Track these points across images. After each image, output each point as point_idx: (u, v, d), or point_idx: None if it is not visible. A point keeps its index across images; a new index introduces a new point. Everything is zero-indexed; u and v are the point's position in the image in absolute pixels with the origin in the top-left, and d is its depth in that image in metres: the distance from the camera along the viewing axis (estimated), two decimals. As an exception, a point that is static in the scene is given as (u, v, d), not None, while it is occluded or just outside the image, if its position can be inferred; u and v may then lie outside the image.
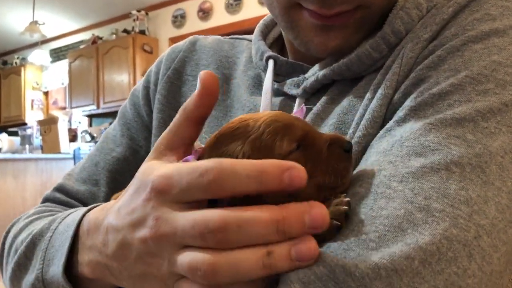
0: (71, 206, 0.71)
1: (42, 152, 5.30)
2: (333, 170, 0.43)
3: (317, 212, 0.35)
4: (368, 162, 0.46)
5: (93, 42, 6.95)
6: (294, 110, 0.60)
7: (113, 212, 0.44)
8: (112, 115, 6.49)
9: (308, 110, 0.59)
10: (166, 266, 0.39)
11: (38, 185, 4.79)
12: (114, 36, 6.77)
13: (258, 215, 0.35)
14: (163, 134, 0.46)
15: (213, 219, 0.35)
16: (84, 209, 0.53)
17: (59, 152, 5.09)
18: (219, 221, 0.35)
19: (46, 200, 0.74)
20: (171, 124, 0.45)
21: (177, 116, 0.45)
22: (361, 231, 0.39)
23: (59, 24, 7.28)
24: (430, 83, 0.48)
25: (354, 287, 0.35)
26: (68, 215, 0.56)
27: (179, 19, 6.26)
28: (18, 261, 0.57)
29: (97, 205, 0.53)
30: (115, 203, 0.46)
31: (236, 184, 0.35)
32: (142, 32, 6.45)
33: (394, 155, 0.43)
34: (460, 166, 0.41)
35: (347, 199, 0.40)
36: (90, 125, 7.15)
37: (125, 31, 6.65)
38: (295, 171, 0.35)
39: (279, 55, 0.64)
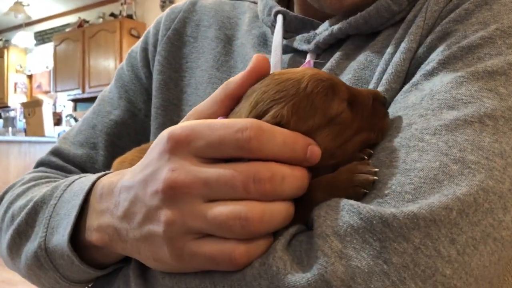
0: (67, 171, 0.69)
1: (26, 135, 5.22)
2: (377, 127, 0.43)
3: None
4: (395, 117, 0.45)
5: (79, 26, 6.84)
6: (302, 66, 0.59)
7: (128, 173, 0.43)
8: (97, 100, 6.40)
9: (318, 66, 0.58)
10: (180, 222, 0.37)
11: (21, 168, 4.73)
12: (101, 19, 6.68)
13: (295, 170, 0.38)
14: (199, 105, 0.45)
15: (261, 169, 0.36)
16: (93, 176, 0.51)
17: (43, 136, 5.02)
18: (268, 171, 0.36)
19: (40, 164, 0.71)
20: (209, 98, 0.44)
21: (218, 91, 0.44)
22: (396, 184, 0.38)
23: (45, 6, 7.14)
24: (458, 36, 0.47)
25: (392, 237, 0.35)
26: (73, 182, 0.54)
27: (167, 4, 6.18)
28: (18, 228, 0.55)
29: (109, 172, 0.52)
30: (131, 167, 0.45)
31: (273, 147, 0.37)
32: (129, 16, 6.37)
33: (424, 108, 0.43)
34: (493, 119, 0.41)
35: (376, 169, 0.40)
36: (75, 109, 7.05)
37: (112, 15, 6.56)
38: (316, 148, 0.39)
39: (288, 10, 0.63)
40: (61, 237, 0.49)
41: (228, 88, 0.43)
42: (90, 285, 0.57)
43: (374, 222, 0.36)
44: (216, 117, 0.43)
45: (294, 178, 0.38)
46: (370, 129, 0.43)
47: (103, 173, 0.52)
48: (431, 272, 0.35)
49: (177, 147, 0.38)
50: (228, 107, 0.43)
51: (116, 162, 0.60)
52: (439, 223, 0.36)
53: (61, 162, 0.70)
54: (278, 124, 0.39)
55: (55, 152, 0.71)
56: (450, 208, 0.36)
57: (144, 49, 0.74)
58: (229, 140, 0.36)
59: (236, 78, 0.43)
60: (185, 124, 0.39)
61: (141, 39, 0.77)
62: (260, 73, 0.42)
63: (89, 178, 0.51)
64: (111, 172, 0.51)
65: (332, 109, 0.40)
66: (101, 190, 0.47)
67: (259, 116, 0.39)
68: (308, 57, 0.59)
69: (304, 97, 0.40)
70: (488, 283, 0.39)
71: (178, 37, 0.72)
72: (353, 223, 0.36)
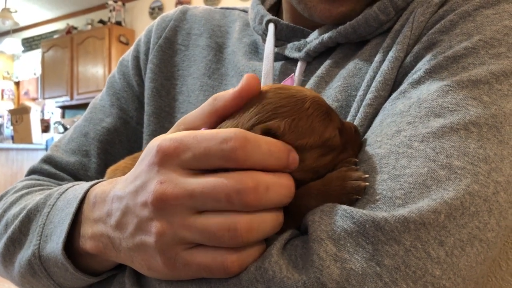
0: (59, 179, 0.69)
1: (13, 142, 5.17)
2: (354, 150, 0.46)
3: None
4: (384, 124, 0.46)
5: (67, 32, 6.81)
6: (295, 75, 0.60)
7: (120, 183, 0.44)
8: (85, 107, 6.31)
9: (309, 74, 0.60)
10: (171, 234, 0.38)
11: (8, 176, 4.68)
12: (89, 26, 6.65)
13: (281, 178, 0.39)
14: (188, 115, 0.45)
15: (244, 181, 0.36)
16: (86, 184, 0.51)
17: (31, 143, 4.98)
18: (252, 181, 0.36)
19: (32, 172, 0.71)
20: (199, 107, 0.45)
21: (205, 104, 0.44)
22: (386, 189, 0.40)
23: (33, 13, 7.10)
24: (443, 46, 0.49)
25: (384, 240, 0.37)
26: (66, 190, 0.54)
27: (156, 11, 6.18)
28: (11, 236, 0.55)
29: (102, 180, 0.52)
30: (124, 176, 0.45)
31: (259, 156, 0.37)
32: (118, 23, 6.35)
33: (412, 116, 0.45)
34: (478, 126, 0.42)
35: (366, 175, 0.42)
36: (63, 116, 7.00)
37: (101, 21, 6.53)
38: (295, 154, 0.40)
39: (279, 19, 0.64)
40: (55, 244, 0.49)
41: (215, 104, 0.43)
42: None
43: (367, 226, 0.37)
44: (202, 126, 0.43)
45: (279, 186, 0.38)
46: (350, 152, 0.45)
47: (96, 181, 0.52)
48: (421, 273, 0.36)
49: (165, 159, 0.39)
50: (214, 123, 0.43)
51: (110, 170, 0.60)
52: (428, 226, 0.37)
53: (53, 170, 0.70)
54: (273, 134, 0.40)
55: (47, 160, 0.71)
56: (439, 212, 0.38)
57: (136, 57, 0.75)
58: (215, 151, 0.37)
59: (225, 95, 0.43)
60: (173, 136, 0.39)
61: (132, 47, 0.78)
62: (250, 93, 0.42)
63: (83, 186, 0.52)
64: (104, 180, 0.52)
65: (327, 133, 0.42)
66: (94, 199, 0.47)
67: (258, 124, 0.40)
68: (299, 64, 0.60)
69: (305, 117, 0.41)
70: (474, 283, 0.40)
71: (169, 46, 0.73)
72: (347, 227, 0.38)
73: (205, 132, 0.38)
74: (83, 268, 0.50)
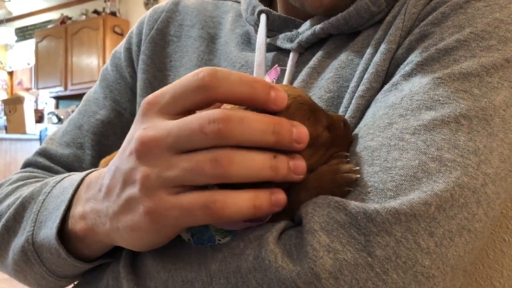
0: (54, 171, 0.69)
1: (6, 132, 5.15)
2: (344, 145, 0.46)
3: (301, 130, 0.39)
4: (376, 116, 0.47)
5: (61, 22, 6.76)
6: (287, 66, 0.60)
7: (113, 159, 0.44)
8: (80, 97, 6.28)
9: (301, 65, 0.60)
10: (155, 176, 0.38)
11: (1, 166, 4.67)
12: (84, 16, 6.61)
13: (256, 114, 0.38)
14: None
15: (215, 112, 0.37)
16: (83, 173, 0.52)
17: (25, 133, 4.96)
18: (222, 113, 0.36)
19: (27, 165, 0.72)
20: None
21: None
22: (378, 182, 0.41)
23: (26, 2, 7.04)
24: (435, 38, 0.49)
25: (375, 232, 0.38)
26: (63, 179, 0.55)
27: (151, 2, 6.14)
28: (6, 224, 0.56)
29: (99, 169, 0.53)
30: None
31: (229, 87, 0.37)
32: (113, 14, 6.32)
33: (404, 108, 0.45)
34: (468, 119, 0.43)
35: (357, 167, 0.42)
36: (57, 107, 6.97)
37: (95, 12, 6.49)
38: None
39: (271, 10, 0.64)
40: (49, 230, 0.50)
41: None
42: (76, 282, 0.58)
43: (359, 217, 0.38)
44: None
45: (255, 120, 0.37)
46: (340, 147, 0.45)
47: (93, 169, 0.53)
48: (411, 263, 0.37)
49: (148, 109, 0.40)
50: None
51: (103, 161, 0.60)
52: (419, 218, 0.38)
53: (48, 163, 0.70)
54: None
55: (42, 153, 0.71)
56: (429, 204, 0.39)
57: (128, 49, 0.75)
58: (189, 86, 0.38)
59: None
60: (155, 93, 0.41)
61: (125, 39, 0.78)
62: None
63: (79, 174, 0.52)
64: (98, 169, 0.52)
65: (314, 132, 0.42)
66: (89, 181, 0.49)
67: None
68: (291, 55, 0.61)
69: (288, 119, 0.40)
70: (463, 271, 0.41)
71: (161, 37, 0.73)
72: (339, 219, 0.38)
73: (180, 79, 0.39)
74: (75, 255, 0.50)
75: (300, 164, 0.39)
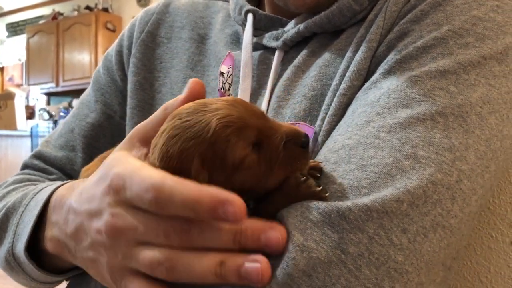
0: (48, 173, 0.72)
1: (-3, 129, 5.12)
2: (295, 167, 0.43)
3: (273, 235, 0.38)
4: (355, 114, 0.47)
5: (53, 18, 6.71)
6: (273, 64, 0.61)
7: (76, 194, 0.47)
8: (72, 93, 6.30)
9: (286, 62, 0.61)
10: (120, 260, 0.41)
11: (-8, 162, 4.63)
12: (76, 12, 6.57)
13: (220, 224, 0.38)
14: (139, 125, 0.47)
15: (178, 224, 0.38)
16: (54, 186, 0.54)
17: (16, 129, 4.93)
18: (185, 224, 0.38)
19: (25, 166, 0.75)
20: (150, 118, 0.47)
21: (158, 112, 0.46)
22: (353, 179, 0.41)
23: (17, -3, 6.99)
24: (414, 36, 0.50)
25: (348, 229, 0.38)
26: (40, 190, 0.57)
27: (144, -2, 6.12)
28: None
29: (67, 182, 0.55)
30: (81, 183, 0.48)
31: (172, 209, 0.38)
32: (105, 10, 6.28)
33: (381, 106, 0.46)
34: (444, 116, 0.44)
35: (319, 187, 0.41)
36: (49, 103, 6.93)
37: (87, 7, 6.46)
38: (230, 208, 0.35)
39: (257, 9, 0.65)
40: (21, 244, 0.53)
41: (166, 113, 0.45)
42: (68, 283, 0.62)
43: (332, 215, 0.39)
44: (154, 136, 0.44)
45: (216, 229, 0.38)
46: (286, 170, 0.42)
47: (60, 183, 0.55)
48: (384, 259, 0.38)
49: (114, 194, 0.42)
50: None
51: (83, 170, 0.63)
52: (391, 214, 0.39)
53: (43, 165, 0.73)
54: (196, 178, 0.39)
55: (37, 155, 0.74)
56: (401, 201, 0.39)
57: (119, 52, 0.76)
58: (141, 199, 0.39)
59: (174, 103, 0.45)
60: (121, 173, 0.41)
61: (116, 42, 0.78)
62: (197, 97, 0.45)
63: (49, 188, 0.55)
64: (67, 182, 0.55)
65: (235, 156, 0.40)
66: (54, 202, 0.51)
67: (172, 168, 0.40)
68: (277, 53, 0.61)
69: (209, 147, 0.40)
70: (442, 266, 0.42)
71: (152, 39, 0.74)
72: (313, 217, 0.39)
73: (141, 172, 0.40)
74: (52, 265, 0.54)
75: (254, 269, 0.37)
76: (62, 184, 0.54)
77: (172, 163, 0.41)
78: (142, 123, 0.48)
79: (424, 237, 0.40)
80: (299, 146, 0.42)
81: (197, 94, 0.45)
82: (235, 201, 0.36)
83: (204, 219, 0.38)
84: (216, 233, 0.38)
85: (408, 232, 0.39)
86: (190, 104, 0.43)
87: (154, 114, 0.47)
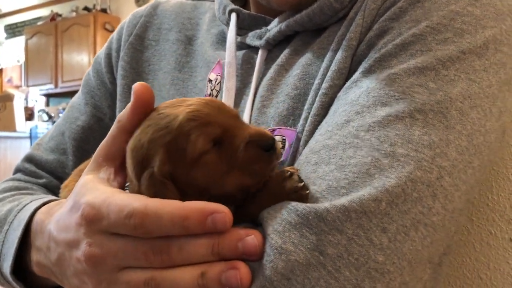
0: (38, 177, 0.72)
1: (-4, 130, 5.11)
2: (254, 172, 0.42)
3: (250, 242, 0.39)
4: (336, 113, 0.47)
5: (51, 19, 6.71)
6: (256, 63, 0.61)
7: (54, 221, 0.47)
8: (71, 94, 6.26)
9: (269, 61, 0.60)
10: (104, 286, 0.41)
11: (-9, 164, 4.62)
12: (74, 13, 6.56)
13: (197, 238, 0.38)
14: (101, 145, 0.48)
15: (157, 244, 0.39)
16: (34, 205, 0.54)
17: (15, 131, 4.92)
18: (164, 243, 0.38)
19: (17, 170, 0.75)
20: (108, 136, 0.47)
21: (113, 127, 0.46)
22: (332, 180, 0.41)
23: (16, -1, 6.98)
24: (393, 34, 0.49)
25: (327, 230, 0.38)
26: (24, 207, 0.57)
27: (142, -1, 6.12)
28: None
29: (47, 201, 0.55)
30: (57, 207, 0.49)
31: (161, 229, 0.38)
32: (103, 11, 6.27)
33: (361, 105, 0.46)
34: (423, 113, 0.43)
35: (302, 183, 0.42)
36: (48, 104, 6.92)
37: (86, 8, 6.45)
38: (218, 216, 0.38)
39: (241, 8, 0.65)
40: (7, 265, 0.53)
41: (120, 125, 0.45)
42: None
43: (310, 217, 0.39)
44: (120, 154, 0.45)
45: (195, 245, 0.38)
46: (245, 173, 0.42)
47: (41, 203, 0.55)
48: (364, 259, 0.38)
49: (89, 224, 0.42)
50: (125, 141, 0.45)
51: (63, 186, 0.62)
52: (370, 214, 0.39)
53: (33, 168, 0.73)
54: (164, 174, 0.41)
55: (29, 159, 0.74)
56: (379, 200, 0.39)
57: (108, 55, 0.76)
58: (122, 225, 0.39)
59: (124, 113, 0.45)
60: (93, 202, 0.42)
61: (105, 44, 0.79)
62: (144, 101, 0.44)
63: (32, 205, 0.55)
64: (48, 202, 0.55)
65: (194, 150, 0.40)
66: (36, 226, 0.52)
67: (141, 164, 0.42)
68: (260, 52, 0.61)
69: (173, 139, 0.41)
70: (429, 263, 0.42)
71: (140, 42, 0.74)
72: (291, 219, 0.39)
73: (114, 200, 0.40)
74: (41, 283, 0.54)
75: (233, 275, 0.38)
76: (43, 204, 0.54)
77: (142, 151, 0.42)
78: (103, 141, 0.48)
79: (405, 236, 0.39)
80: (262, 149, 0.41)
81: (144, 97, 0.44)
82: (221, 209, 0.38)
83: (194, 233, 0.38)
84: (195, 248, 0.38)
85: (388, 232, 0.39)
86: (172, 100, 0.44)
87: (111, 129, 0.47)
